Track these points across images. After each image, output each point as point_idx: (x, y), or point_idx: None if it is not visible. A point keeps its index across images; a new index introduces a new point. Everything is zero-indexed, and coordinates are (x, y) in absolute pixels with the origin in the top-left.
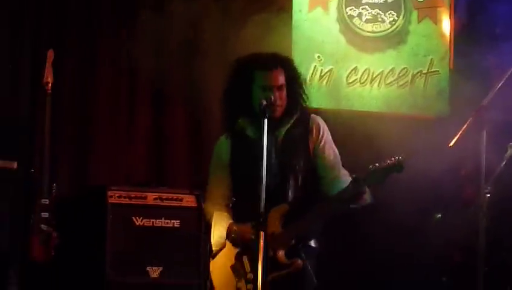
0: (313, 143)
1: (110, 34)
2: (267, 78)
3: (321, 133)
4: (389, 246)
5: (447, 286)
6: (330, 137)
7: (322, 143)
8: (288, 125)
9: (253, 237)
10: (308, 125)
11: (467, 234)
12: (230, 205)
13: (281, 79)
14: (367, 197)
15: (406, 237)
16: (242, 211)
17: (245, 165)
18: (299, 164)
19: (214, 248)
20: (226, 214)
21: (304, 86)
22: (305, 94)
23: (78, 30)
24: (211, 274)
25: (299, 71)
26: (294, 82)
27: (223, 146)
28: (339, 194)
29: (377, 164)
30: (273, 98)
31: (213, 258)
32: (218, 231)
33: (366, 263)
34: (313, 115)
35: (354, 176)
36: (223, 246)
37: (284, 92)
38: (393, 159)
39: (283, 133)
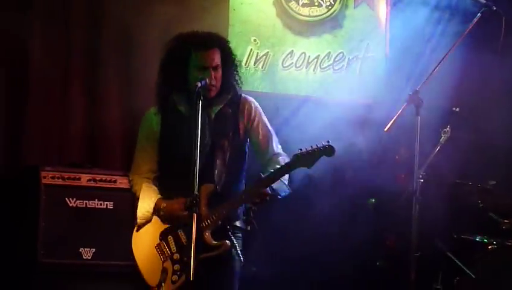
0: (243, 124)
1: (46, 10)
2: (203, 59)
3: (253, 113)
4: (324, 230)
5: (382, 270)
6: (264, 117)
7: (255, 123)
8: (221, 105)
9: (185, 213)
10: (239, 107)
11: (401, 219)
12: (154, 177)
13: (217, 59)
14: (285, 190)
15: (340, 220)
16: (167, 186)
17: (175, 140)
18: (227, 143)
19: (138, 221)
20: (154, 187)
21: (238, 68)
22: (239, 76)
23: (12, 11)
24: (133, 248)
25: (234, 53)
26: (229, 63)
27: (152, 119)
28: (266, 178)
29: (306, 148)
30: (208, 80)
31: (137, 230)
32: (145, 204)
33: (300, 245)
34: (243, 96)
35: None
36: (148, 220)
37: (219, 73)
38: (322, 143)
39: (215, 112)
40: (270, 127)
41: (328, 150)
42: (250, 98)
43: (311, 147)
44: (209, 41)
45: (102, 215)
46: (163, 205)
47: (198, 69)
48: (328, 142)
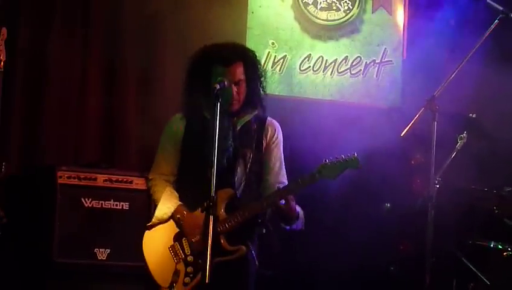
0: (266, 142)
1: (65, 13)
2: (225, 74)
3: (275, 136)
4: (338, 234)
5: (395, 275)
6: (281, 144)
7: (273, 146)
8: (247, 119)
9: (195, 238)
10: (264, 126)
11: (416, 225)
12: (173, 181)
13: (239, 74)
14: (302, 222)
15: (354, 225)
16: (186, 191)
17: (198, 145)
18: (249, 154)
19: (154, 220)
20: (177, 194)
21: (263, 77)
22: (264, 86)
23: (32, 9)
24: (144, 247)
25: (259, 62)
26: (254, 75)
27: (178, 123)
28: (287, 188)
29: (331, 158)
30: (226, 82)
31: (149, 229)
32: (165, 207)
33: (312, 249)
34: (270, 118)
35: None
36: (163, 222)
37: (243, 86)
38: (348, 155)
39: (241, 124)
40: (282, 158)
41: (354, 163)
42: (276, 122)
43: (336, 158)
44: (231, 55)
45: (117, 216)
46: (184, 212)
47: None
48: (354, 154)
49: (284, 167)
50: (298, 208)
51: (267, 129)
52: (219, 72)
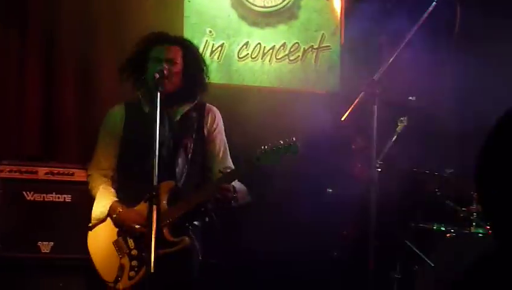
0: (207, 129)
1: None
2: (160, 52)
3: (216, 122)
4: (280, 220)
5: (338, 261)
6: (223, 129)
7: (216, 133)
8: (186, 109)
9: (136, 226)
10: (203, 112)
11: (358, 209)
12: (112, 176)
13: (174, 54)
14: (246, 197)
15: (296, 211)
16: (125, 185)
17: (136, 139)
18: (190, 144)
19: (92, 221)
20: (112, 190)
21: (204, 72)
22: (204, 82)
23: None
24: (89, 244)
25: (200, 55)
26: (193, 65)
27: (117, 116)
28: (227, 175)
29: (270, 144)
30: (165, 71)
31: (90, 229)
32: (101, 206)
33: (255, 236)
34: (208, 105)
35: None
36: (101, 221)
37: (178, 68)
38: (287, 140)
39: (180, 114)
40: (226, 143)
41: (293, 148)
42: (215, 108)
43: (275, 144)
44: (171, 38)
45: (60, 208)
46: (119, 209)
47: (154, 60)
48: (293, 139)
49: (228, 152)
50: (236, 184)
51: (207, 117)
52: (156, 50)
